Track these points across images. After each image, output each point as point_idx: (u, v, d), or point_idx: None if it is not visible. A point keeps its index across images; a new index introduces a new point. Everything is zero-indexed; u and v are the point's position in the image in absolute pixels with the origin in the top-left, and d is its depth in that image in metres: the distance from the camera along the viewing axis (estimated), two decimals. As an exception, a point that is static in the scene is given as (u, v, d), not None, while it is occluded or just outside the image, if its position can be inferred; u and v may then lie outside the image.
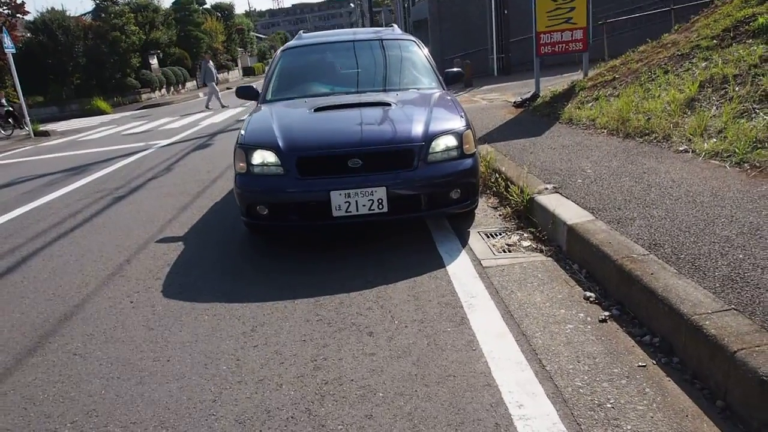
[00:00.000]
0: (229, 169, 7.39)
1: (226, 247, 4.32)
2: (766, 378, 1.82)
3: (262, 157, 3.86)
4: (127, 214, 5.60)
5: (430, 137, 3.81)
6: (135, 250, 4.43)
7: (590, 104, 7.13)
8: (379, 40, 5.50)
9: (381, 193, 3.66)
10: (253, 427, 2.15)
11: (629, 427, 1.96)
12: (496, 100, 10.94)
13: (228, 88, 31.51)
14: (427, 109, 4.16)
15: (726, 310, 2.25)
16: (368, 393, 2.30)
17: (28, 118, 16.09)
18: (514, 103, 9.18)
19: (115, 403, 2.40)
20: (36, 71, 20.90)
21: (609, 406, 2.09)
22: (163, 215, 5.38)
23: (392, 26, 6.18)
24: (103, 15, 23.74)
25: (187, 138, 11.25)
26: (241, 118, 14.03)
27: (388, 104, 4.32)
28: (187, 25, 32.75)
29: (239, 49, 44.93)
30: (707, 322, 2.18)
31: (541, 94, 8.92)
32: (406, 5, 20.58)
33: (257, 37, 57.91)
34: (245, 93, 5.30)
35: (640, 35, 14.59)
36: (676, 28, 8.13)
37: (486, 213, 4.55)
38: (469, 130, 4.00)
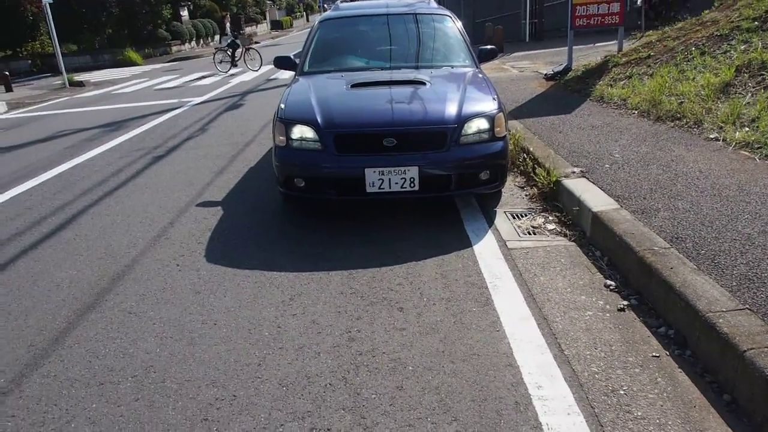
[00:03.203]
0: (261, 132, 7.58)
1: (262, 215, 4.53)
2: (769, 377, 1.98)
3: (301, 132, 4.02)
4: (167, 174, 5.83)
5: (463, 119, 3.92)
6: (177, 212, 4.67)
7: (622, 82, 7.09)
8: (414, 14, 5.52)
9: (413, 172, 3.81)
10: (295, 391, 2.39)
11: (640, 414, 2.15)
12: (527, 69, 10.84)
13: (256, 42, 31.45)
14: (461, 90, 4.25)
15: (740, 309, 2.39)
16: (399, 366, 2.52)
17: (64, 67, 16.35)
18: (545, 75, 9.12)
19: (170, 361, 2.66)
20: (70, 21, 21.07)
21: (622, 392, 2.27)
22: (201, 178, 5.60)
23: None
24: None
25: (219, 96, 11.41)
26: (271, 77, 14.12)
27: (423, 83, 4.41)
28: (217, -24, 32.47)
29: (268, 2, 44.41)
30: (721, 320, 2.33)
31: (573, 68, 8.85)
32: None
33: (286, -11, 56.98)
34: (283, 63, 5.43)
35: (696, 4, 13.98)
36: (717, 4, 7.94)
37: (513, 193, 4.67)
38: (501, 113, 4.09)
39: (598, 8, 8.48)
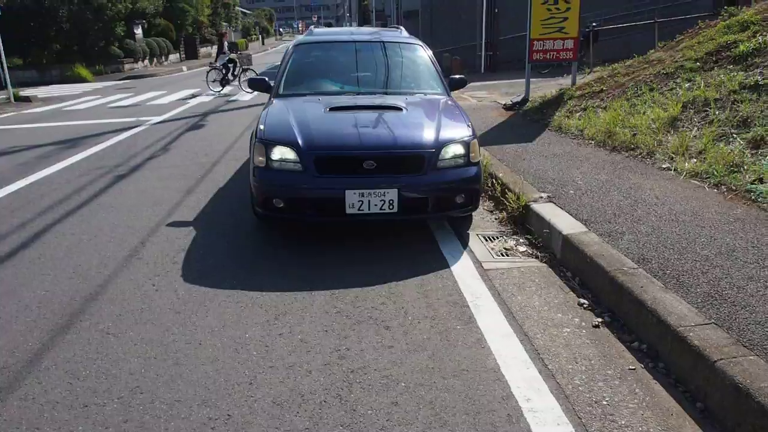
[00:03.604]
0: (226, 154, 7.54)
1: (236, 236, 4.51)
2: (741, 385, 2.15)
3: (281, 153, 4.06)
4: (132, 194, 5.72)
5: (440, 144, 4.07)
6: (147, 232, 4.59)
7: (578, 114, 7.47)
8: (387, 42, 5.70)
9: (393, 194, 3.91)
10: (291, 410, 2.40)
11: (623, 422, 2.28)
12: (485, 99, 11.22)
13: (211, 63, 31.23)
14: (437, 116, 4.41)
15: (707, 323, 2.58)
16: (391, 382, 2.57)
17: (9, 81, 15.74)
18: (504, 105, 9.48)
19: (157, 381, 2.62)
20: (17, 34, 20.34)
21: (605, 403, 2.40)
22: (169, 198, 5.53)
23: (399, 28, 6.39)
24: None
25: (179, 117, 11.26)
26: (232, 98, 14.06)
27: (400, 109, 4.55)
28: (172, -5, 32.17)
29: (224, 23, 44.23)
30: (691, 334, 2.51)
31: (530, 99, 9.25)
32: (398, -5, 20.69)
33: (242, 12, 57.03)
34: (258, 85, 5.47)
35: (622, 44, 15.08)
36: (661, 45, 8.52)
37: (483, 216, 4.84)
38: (475, 140, 4.27)
39: (554, 44, 8.93)
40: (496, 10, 17.35)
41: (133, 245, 4.33)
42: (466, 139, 4.20)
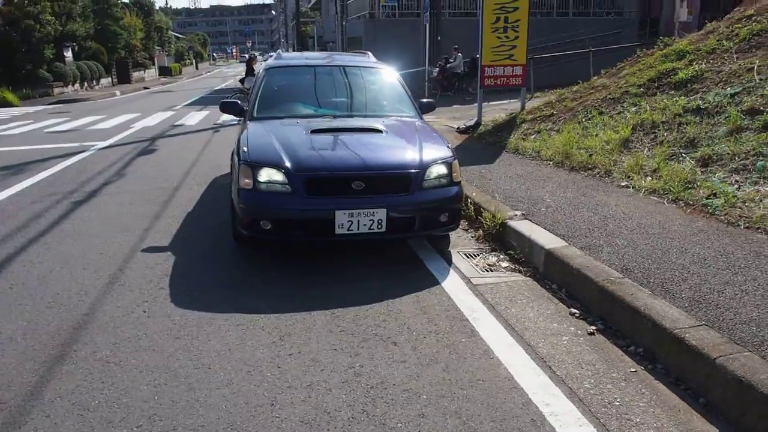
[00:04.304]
0: (186, 178, 7.39)
1: (220, 259, 4.45)
2: (743, 378, 2.35)
3: (268, 175, 4.07)
4: (96, 220, 5.51)
5: (425, 165, 4.20)
6: (123, 259, 4.44)
7: (533, 136, 7.85)
8: (358, 66, 5.84)
9: (381, 214, 3.99)
10: (320, 427, 2.41)
11: (638, 420, 2.43)
12: (435, 123, 11.50)
13: (145, 88, 30.45)
14: (417, 138, 4.55)
15: (699, 325, 2.80)
16: (413, 396, 2.62)
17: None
18: (458, 129, 9.81)
19: (174, 408, 2.56)
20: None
21: (617, 403, 2.55)
22: (137, 223, 5.36)
23: (366, 53, 6.55)
24: (16, 0, 22.17)
25: (126, 141, 10.91)
26: (177, 123, 13.76)
27: (380, 131, 4.67)
28: (105, 18, 31.24)
29: (157, 47, 43.31)
30: (687, 335, 2.71)
31: (482, 122, 9.61)
32: (344, 23, 21.01)
33: (175, 36, 56.02)
34: (230, 108, 5.45)
35: (559, 70, 15.97)
36: (604, 72, 9.11)
37: (459, 235, 4.99)
38: (456, 160, 4.43)
39: (504, 70, 9.36)
40: (439, 38, 17.95)
41: (110, 272, 4.18)
42: (448, 159, 4.35)
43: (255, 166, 4.12)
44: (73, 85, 26.56)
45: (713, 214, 4.38)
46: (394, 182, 4.12)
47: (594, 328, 3.25)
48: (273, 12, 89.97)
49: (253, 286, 3.93)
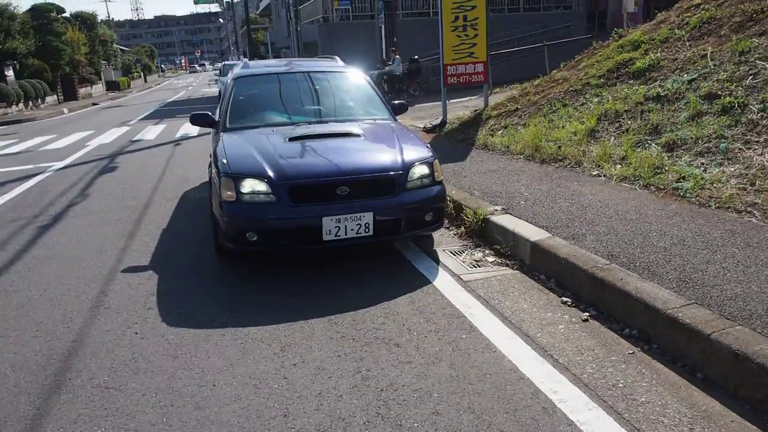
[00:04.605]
0: (155, 195, 7.23)
1: (205, 275, 4.38)
2: (738, 351, 2.47)
3: (251, 185, 4.03)
4: (67, 244, 5.34)
5: (407, 166, 4.23)
6: (103, 281, 4.32)
7: (501, 132, 7.99)
8: (327, 71, 5.84)
9: (368, 218, 4.00)
10: (337, 434, 2.41)
11: (643, 399, 2.52)
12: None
13: (94, 104, 29.54)
14: (396, 140, 4.58)
15: (689, 304, 2.92)
16: (424, 395, 2.65)
17: None
18: (424, 128, 9.89)
19: (184, 428, 2.51)
20: None
21: (621, 385, 2.64)
22: (111, 244, 5.22)
23: (334, 58, 6.54)
24: (-51, 20, 21.24)
25: (84, 160, 10.58)
26: (135, 138, 13.42)
27: (358, 135, 4.68)
28: (46, 34, 30.17)
29: (103, 62, 42.08)
30: (680, 314, 2.82)
31: (447, 121, 9.73)
32: (298, 28, 20.89)
33: (121, 49, 54.57)
34: (201, 120, 5.37)
35: (514, 66, 16.30)
36: (563, 65, 9.34)
37: (442, 233, 5.03)
38: (437, 160, 4.48)
39: (466, 68, 9.50)
40: (395, 39, 18.05)
41: (92, 296, 4.06)
42: (429, 159, 4.40)
43: (237, 177, 4.07)
44: (17, 104, 25.55)
45: (684, 197, 4.56)
46: (379, 185, 4.13)
47: (587, 314, 3.35)
48: (221, 20, 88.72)
49: (243, 299, 3.89)
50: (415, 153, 4.41)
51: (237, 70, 5.83)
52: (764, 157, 4.55)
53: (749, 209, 4.08)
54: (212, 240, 4.66)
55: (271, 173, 4.03)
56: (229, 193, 4.07)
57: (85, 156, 11.11)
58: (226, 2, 55.55)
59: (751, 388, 2.41)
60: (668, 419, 2.38)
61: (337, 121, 5.17)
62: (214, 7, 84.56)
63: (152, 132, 14.45)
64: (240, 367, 2.99)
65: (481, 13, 9.38)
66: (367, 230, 4.03)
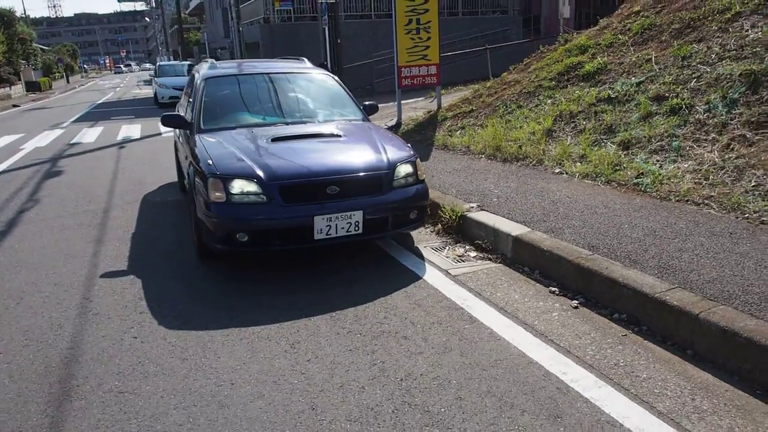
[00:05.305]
0: (113, 199, 7.00)
1: (190, 277, 4.32)
2: (726, 328, 2.74)
3: (241, 186, 4.02)
4: (31, 250, 5.10)
5: (393, 165, 4.35)
6: (83, 287, 4.18)
7: (459, 132, 8.24)
8: (299, 72, 5.86)
9: (358, 216, 4.09)
10: (369, 423, 2.49)
11: (645, 375, 2.75)
12: (353, 125, 11.68)
13: (15, 106, 27.80)
14: (377, 140, 4.68)
15: (674, 288, 3.19)
16: (443, 382, 2.77)
17: None
18: (380, 129, 10.02)
19: (214, 426, 2.52)
20: None
21: (622, 364, 2.86)
22: (80, 249, 5.03)
23: (302, 59, 6.56)
24: None
25: (22, 164, 10.01)
26: (72, 141, 12.82)
27: (338, 135, 4.75)
28: (-41, 31, 28.16)
29: (22, 61, 39.64)
30: (668, 297, 3.09)
31: (402, 122, 9.91)
32: (240, 29, 20.52)
33: (41, 48, 51.59)
34: (173, 121, 5.27)
35: (457, 69, 16.75)
36: (512, 68, 9.72)
37: (420, 230, 5.17)
38: (418, 158, 4.62)
39: (419, 70, 9.71)
40: (339, 41, 18.09)
41: (75, 302, 3.92)
42: (412, 158, 4.53)
43: (226, 178, 4.05)
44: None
45: (645, 192, 4.92)
46: (368, 184, 4.22)
47: (577, 302, 3.57)
48: (147, 19, 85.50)
49: (238, 299, 3.88)
50: (399, 152, 4.53)
51: (205, 71, 5.74)
52: (714, 154, 4.98)
53: (706, 201, 4.47)
54: (189, 243, 4.60)
55: (260, 173, 4.04)
56: (217, 194, 4.04)
57: (22, 161, 10.51)
58: (154, 0, 53.63)
59: (740, 360, 2.68)
60: (671, 392, 2.61)
61: (314, 122, 5.21)
62: (140, 5, 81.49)
63: (90, 135, 13.84)
64: (254, 365, 3.00)
65: (433, 17, 9.63)
66: (356, 228, 4.11)
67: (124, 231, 5.57)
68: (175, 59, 42.19)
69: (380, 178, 4.25)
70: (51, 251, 5.05)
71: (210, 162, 4.23)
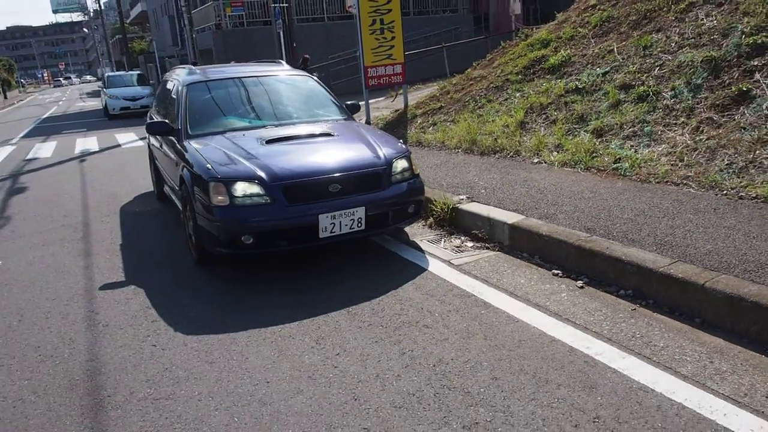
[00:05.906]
0: (90, 211, 6.81)
1: (193, 284, 4.29)
2: (733, 294, 2.95)
3: (244, 189, 4.02)
4: (19, 267, 4.93)
5: (390, 161, 4.43)
6: (85, 300, 4.09)
7: (431, 129, 8.39)
8: (280, 75, 5.87)
9: (361, 212, 4.16)
10: (414, 408, 2.57)
11: (662, 344, 2.93)
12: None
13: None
14: (370, 137, 4.76)
15: (675, 262, 3.39)
16: (476, 364, 2.88)
17: None
18: (350, 129, 10.07)
19: (261, 423, 2.55)
20: None
21: (639, 335, 3.04)
22: (70, 264, 4.90)
23: (280, 62, 6.56)
24: None
25: (-21, 182, 9.59)
26: (28, 157, 12.33)
27: (331, 134, 4.80)
28: None
29: (-46, 76, 37.64)
30: (672, 270, 3.29)
31: (371, 121, 9.99)
32: (193, 35, 20.14)
33: (-27, 62, 49.06)
34: (158, 128, 5.20)
35: (415, 67, 16.94)
36: (476, 64, 9.96)
37: (412, 225, 5.27)
38: (411, 154, 4.72)
39: (385, 69, 9.82)
40: (294, 44, 18.04)
41: (81, 316, 3.84)
42: (406, 153, 4.63)
43: (228, 181, 4.04)
44: None
45: (625, 176, 5.17)
46: (368, 181, 4.29)
47: (581, 282, 3.75)
48: (86, 30, 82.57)
49: (249, 301, 3.88)
50: (393, 148, 4.62)
51: (185, 77, 5.67)
52: (686, 137, 5.28)
53: (685, 182, 4.74)
54: (181, 250, 4.55)
55: (262, 175, 4.05)
56: (220, 197, 4.03)
57: (-23, 178, 10.05)
58: (94, 10, 51.94)
59: (748, 322, 2.89)
60: (690, 357, 2.80)
61: (302, 123, 5.24)
62: (77, 16, 78.70)
63: (45, 150, 13.34)
64: (284, 363, 3.03)
65: (396, 16, 9.76)
66: (359, 225, 4.18)
67: (111, 242, 5.45)
68: (119, 70, 41.00)
69: (379, 174, 4.33)
70: (39, 267, 4.89)
71: (209, 166, 4.21)
